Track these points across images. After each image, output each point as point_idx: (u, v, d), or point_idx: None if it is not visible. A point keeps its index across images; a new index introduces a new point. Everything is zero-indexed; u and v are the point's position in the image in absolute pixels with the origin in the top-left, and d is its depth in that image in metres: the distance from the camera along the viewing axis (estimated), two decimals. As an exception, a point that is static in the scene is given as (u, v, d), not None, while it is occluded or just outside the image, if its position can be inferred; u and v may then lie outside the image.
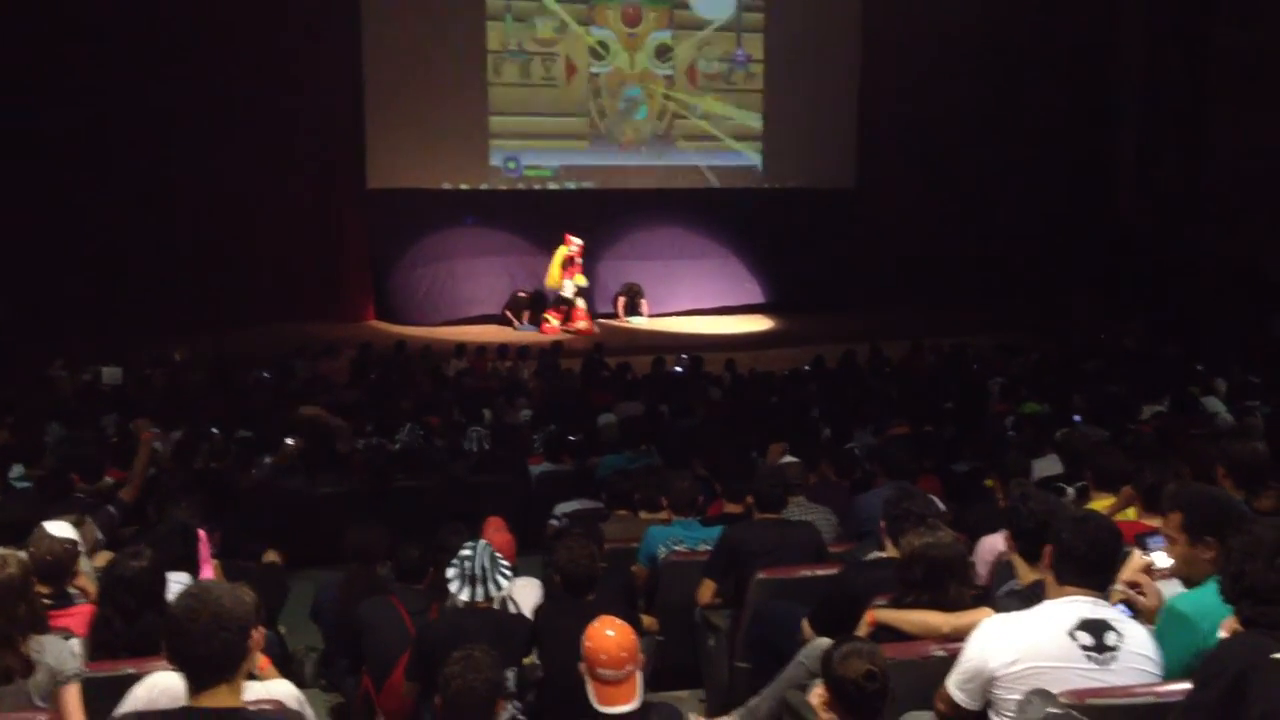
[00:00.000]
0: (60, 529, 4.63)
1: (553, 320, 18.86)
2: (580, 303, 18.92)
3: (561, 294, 18.84)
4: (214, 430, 9.52)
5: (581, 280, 18.83)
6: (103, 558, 5.18)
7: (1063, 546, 3.71)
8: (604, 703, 3.96)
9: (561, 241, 18.73)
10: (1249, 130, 18.33)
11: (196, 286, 16.63)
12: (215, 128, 16.69)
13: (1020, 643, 3.59)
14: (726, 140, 20.63)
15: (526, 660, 4.78)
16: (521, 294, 19.03)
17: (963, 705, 3.70)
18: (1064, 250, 20.07)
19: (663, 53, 20.12)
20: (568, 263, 18.67)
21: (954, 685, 3.72)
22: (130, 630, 4.17)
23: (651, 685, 4.76)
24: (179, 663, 3.08)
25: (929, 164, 19.83)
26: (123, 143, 16.16)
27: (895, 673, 3.62)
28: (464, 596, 4.78)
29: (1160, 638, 3.66)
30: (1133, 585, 4.14)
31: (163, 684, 3.46)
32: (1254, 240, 18.52)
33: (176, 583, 4.45)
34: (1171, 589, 3.97)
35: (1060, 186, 20.30)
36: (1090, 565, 3.67)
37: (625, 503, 7.15)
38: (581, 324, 18.77)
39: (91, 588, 4.70)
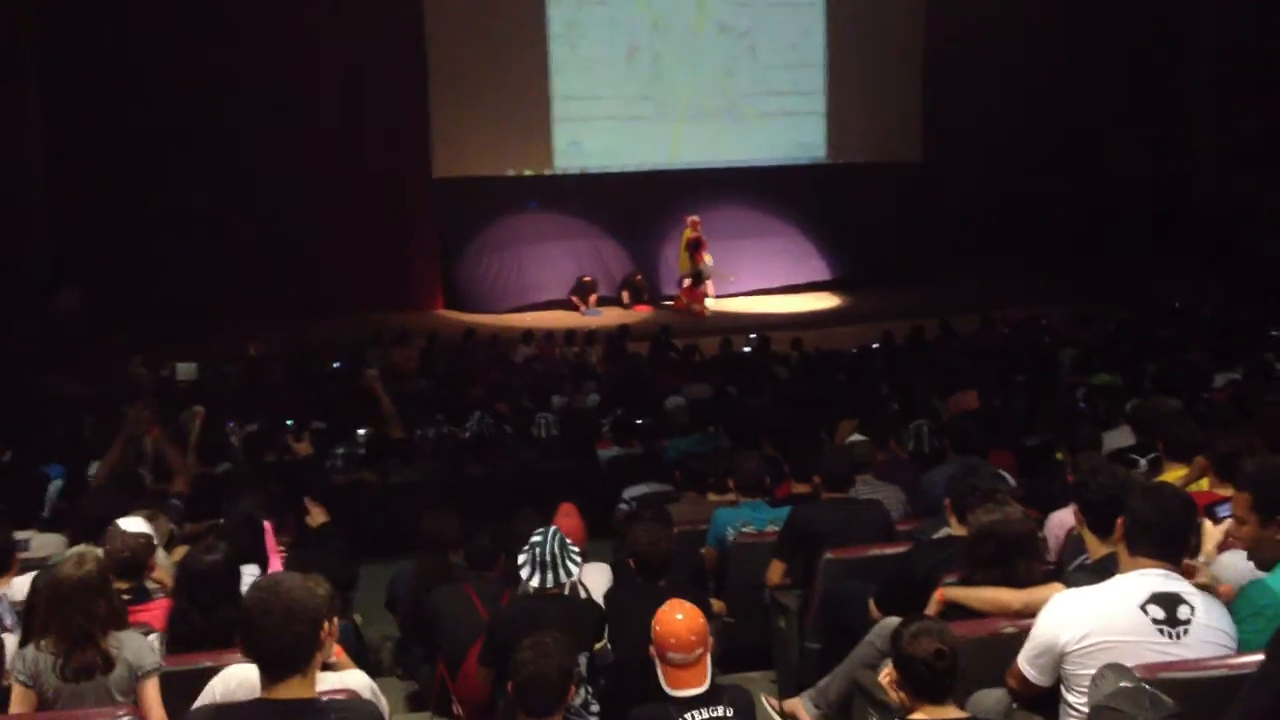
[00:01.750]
0: (134, 524, 4.73)
1: (684, 299, 18.94)
2: (706, 283, 18.90)
3: (702, 273, 18.81)
4: (288, 422, 9.67)
5: (708, 259, 18.78)
6: (178, 552, 5.29)
7: (1134, 517, 3.66)
8: (674, 686, 3.99)
9: (685, 225, 18.73)
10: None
11: (268, 280, 16.87)
12: (283, 121, 16.91)
13: (1092, 617, 3.55)
14: (790, 116, 20.45)
15: (597, 645, 4.82)
16: (587, 279, 19.07)
17: (1034, 681, 3.68)
18: (1138, 217, 19.67)
19: (725, 30, 19.98)
20: (694, 244, 18.62)
21: (1025, 661, 3.70)
22: (207, 623, 4.26)
23: (722, 667, 4.78)
24: (252, 656, 3.14)
25: (995, 134, 19.53)
26: (194, 138, 16.43)
27: (966, 650, 3.60)
28: (535, 583, 4.81)
29: (1241, 615, 3.60)
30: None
31: (239, 676, 3.53)
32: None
33: (248, 575, 4.54)
34: (1245, 560, 3.90)
35: (1131, 151, 19.88)
36: (1163, 536, 3.61)
37: (694, 485, 7.16)
38: (696, 306, 18.77)
39: (169, 581, 4.80)
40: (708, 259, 18.65)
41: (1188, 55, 20.76)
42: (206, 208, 16.55)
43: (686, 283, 18.91)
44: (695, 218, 18.66)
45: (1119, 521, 3.74)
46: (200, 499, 6.56)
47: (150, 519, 4.99)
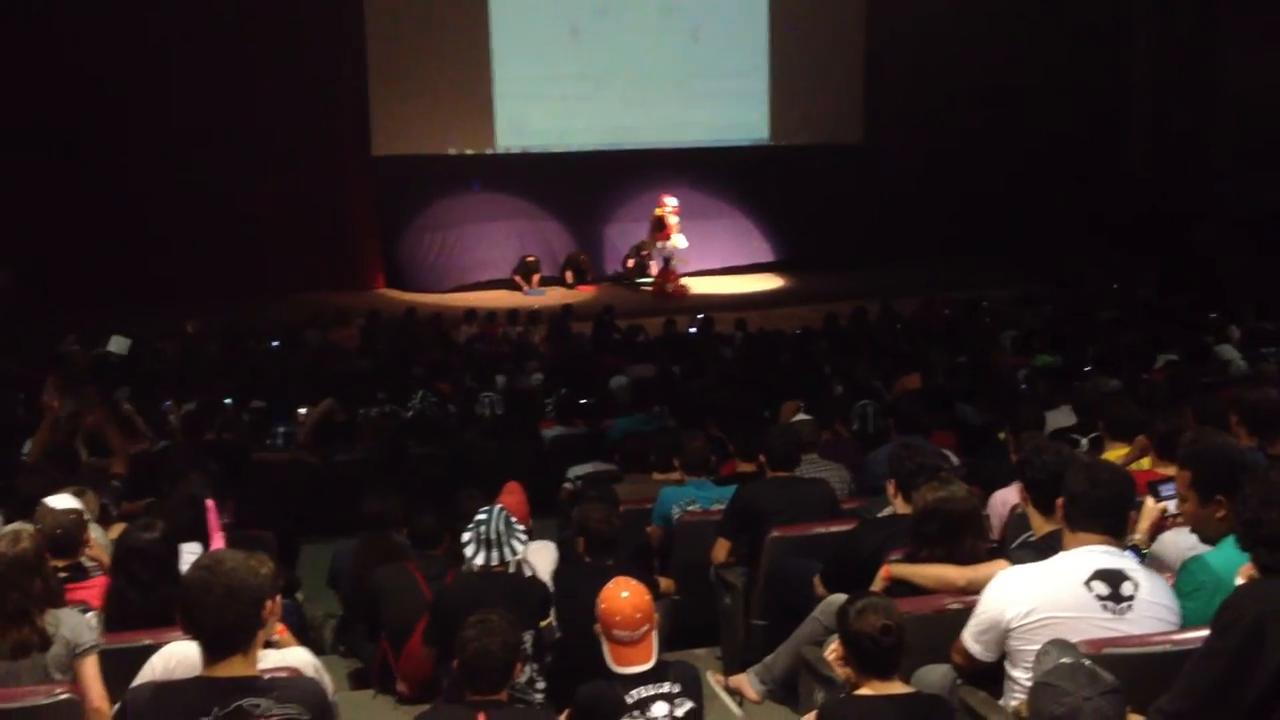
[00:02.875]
0: (63, 501, 4.65)
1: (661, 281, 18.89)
2: (674, 264, 18.85)
3: (664, 254, 18.74)
4: (226, 401, 9.54)
5: (679, 241, 18.71)
6: (116, 530, 5.20)
7: (1072, 493, 3.70)
8: (619, 663, 3.98)
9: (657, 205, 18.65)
10: (1262, 70, 18.16)
11: (206, 258, 16.63)
12: (220, 97, 16.65)
13: (1036, 594, 3.58)
14: (733, 98, 20.46)
15: (543, 623, 4.80)
16: (529, 258, 18.98)
17: (979, 657, 3.71)
18: (1077, 200, 19.91)
19: (668, 11, 19.93)
20: (659, 224, 18.54)
21: (970, 637, 3.72)
22: (145, 601, 4.19)
23: (668, 644, 4.79)
24: (193, 634, 3.10)
25: (937, 117, 19.67)
26: (129, 114, 16.15)
27: (911, 627, 3.61)
28: (479, 561, 4.80)
29: (1184, 592, 3.65)
30: (1151, 538, 4.15)
31: (179, 654, 3.48)
32: (1268, 183, 18.37)
33: (189, 554, 4.47)
34: (1186, 537, 3.96)
35: (1071, 135, 20.11)
36: (1101, 508, 3.65)
37: (639, 464, 7.15)
38: (672, 286, 18.72)
39: (106, 559, 4.72)
40: (675, 241, 18.63)
41: (1126, 43, 21.06)
42: (143, 185, 16.28)
43: (660, 265, 18.88)
44: (674, 200, 18.61)
45: (1059, 500, 3.78)
46: (138, 478, 6.45)
47: (79, 494, 4.90)
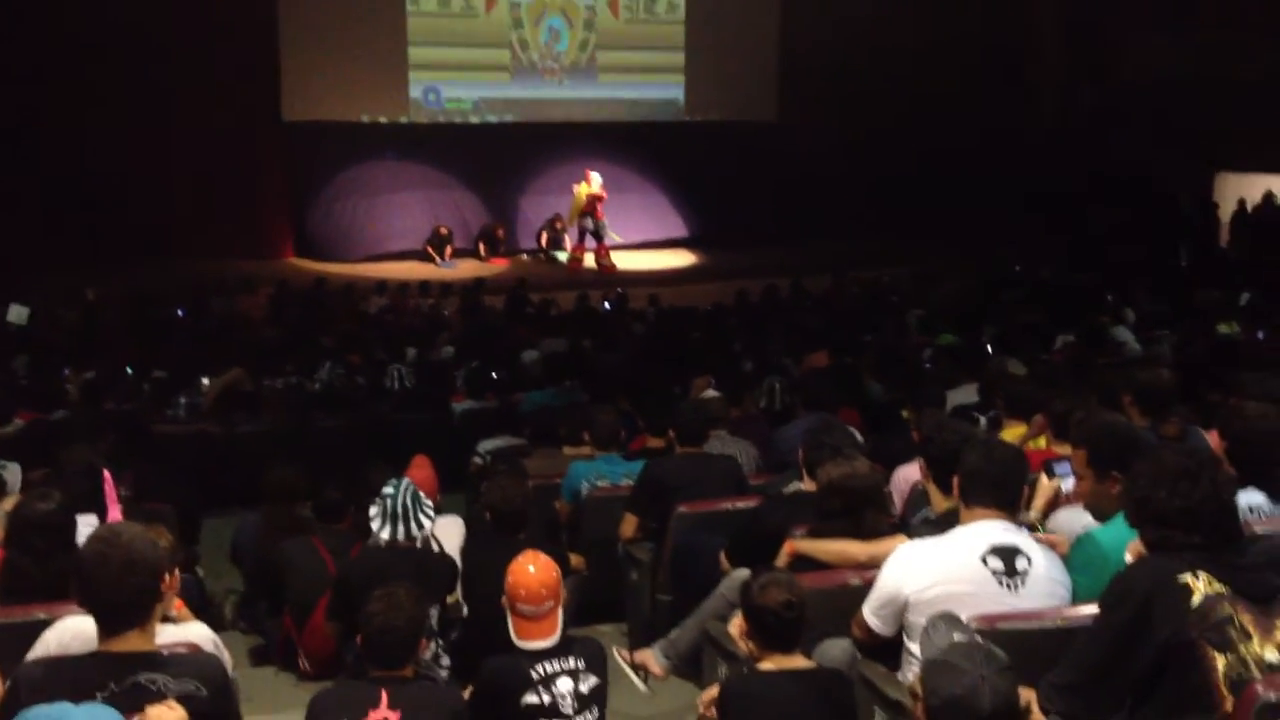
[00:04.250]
0: None
1: (584, 258, 18.78)
2: (606, 239, 18.75)
3: (589, 230, 18.62)
4: (127, 370, 9.35)
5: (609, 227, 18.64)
6: (9, 502, 5.07)
7: (967, 469, 3.77)
8: (523, 637, 3.98)
9: (582, 179, 18.50)
10: (1162, 51, 18.62)
11: (109, 222, 16.22)
12: (127, 57, 16.24)
13: (933, 568, 3.64)
14: (648, 73, 20.46)
15: (450, 599, 4.79)
16: (443, 230, 18.80)
17: (878, 631, 3.77)
18: (984, 180, 20.24)
19: (586, -18, 19.85)
20: (595, 200, 18.40)
21: (869, 611, 3.79)
22: (41, 573, 4.09)
23: (574, 620, 4.80)
24: (89, 607, 3.04)
25: (849, 95, 19.83)
26: (31, 73, 15.66)
27: (813, 601, 3.67)
28: (386, 535, 4.76)
29: (1074, 567, 3.74)
30: (1045, 515, 4.25)
31: (74, 628, 3.40)
32: (1164, 166, 18.87)
33: (86, 525, 4.37)
34: (1080, 515, 4.06)
35: (981, 115, 20.41)
36: (994, 483, 3.72)
37: (549, 439, 7.15)
38: (606, 262, 18.67)
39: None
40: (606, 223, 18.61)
41: (1034, 25, 21.43)
42: (46, 147, 15.81)
43: (587, 240, 18.77)
44: (599, 177, 18.51)
45: (955, 480, 3.85)
46: (34, 446, 6.29)
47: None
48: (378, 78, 18.66)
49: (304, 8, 17.86)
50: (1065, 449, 4.66)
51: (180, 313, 13.44)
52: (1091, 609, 3.36)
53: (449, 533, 5.41)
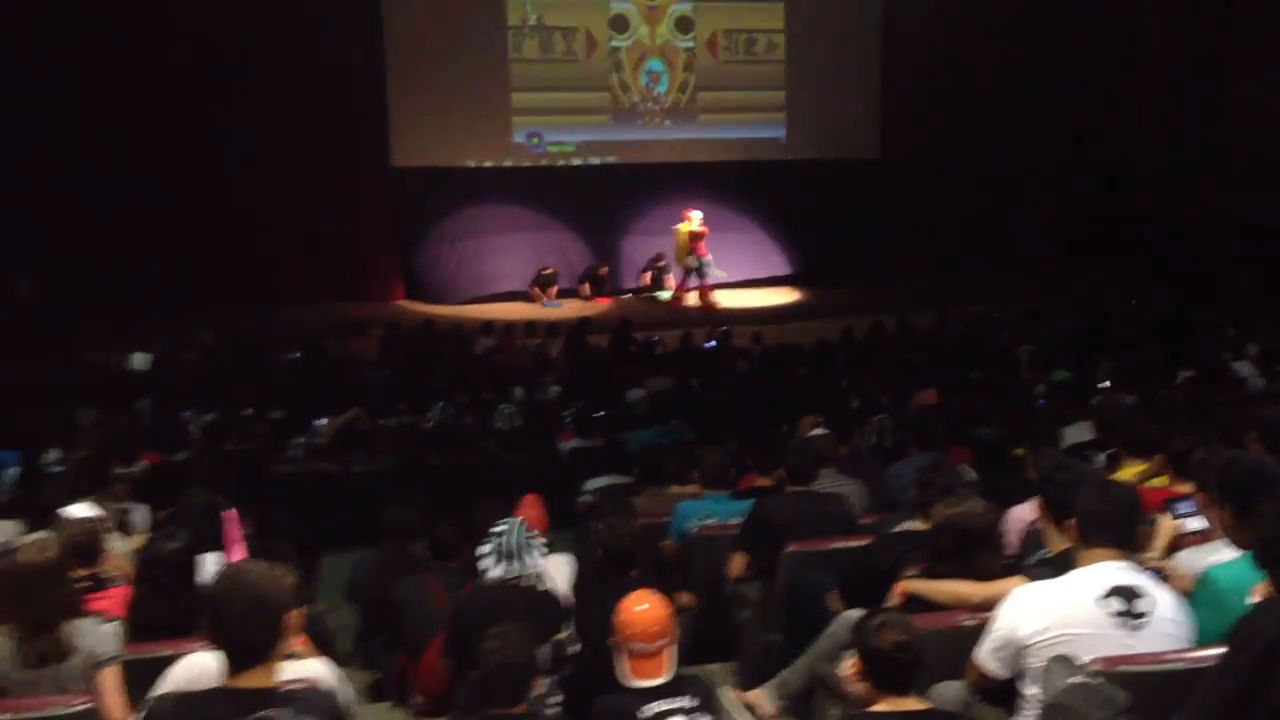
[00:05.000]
0: (82, 510, 4.69)
1: (686, 297, 18.86)
2: (710, 277, 18.78)
3: (692, 269, 18.68)
4: (246, 412, 9.59)
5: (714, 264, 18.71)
6: (137, 541, 5.24)
7: (1085, 510, 3.72)
8: (635, 676, 4.00)
9: (682, 218, 18.60)
10: (1272, 86, 18.15)
11: (225, 268, 16.67)
12: (239, 108, 16.73)
13: (1050, 610, 3.59)
14: (749, 112, 20.53)
15: (560, 636, 4.82)
16: (547, 270, 19.02)
17: (993, 674, 3.72)
18: (1091, 215, 19.89)
19: (684, 25, 20.01)
20: (696, 238, 18.52)
21: (985, 654, 3.74)
22: (169, 610, 4.22)
23: (684, 659, 4.80)
24: (217, 643, 3.12)
25: (951, 131, 19.65)
26: (149, 123, 16.23)
27: (927, 643, 3.63)
28: (497, 573, 4.81)
29: (1195, 606, 3.66)
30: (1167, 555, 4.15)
31: (200, 664, 3.50)
32: (1276, 203, 18.34)
33: (209, 564, 4.50)
34: (1203, 555, 3.96)
35: (1086, 150, 20.08)
36: (1112, 523, 3.67)
37: (656, 477, 7.17)
38: (709, 299, 18.68)
39: (126, 568, 4.76)
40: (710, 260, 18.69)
41: (1137, 59, 21.06)
42: (164, 196, 16.34)
43: (690, 280, 18.82)
44: (699, 213, 18.58)
45: (1072, 520, 3.79)
46: (158, 487, 6.49)
47: (98, 504, 4.94)
48: (482, 123, 18.99)
49: (411, 56, 18.27)
50: (1186, 488, 4.56)
51: (296, 355, 13.75)
52: (1215, 651, 3.28)
53: (560, 570, 5.45)
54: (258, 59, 16.79)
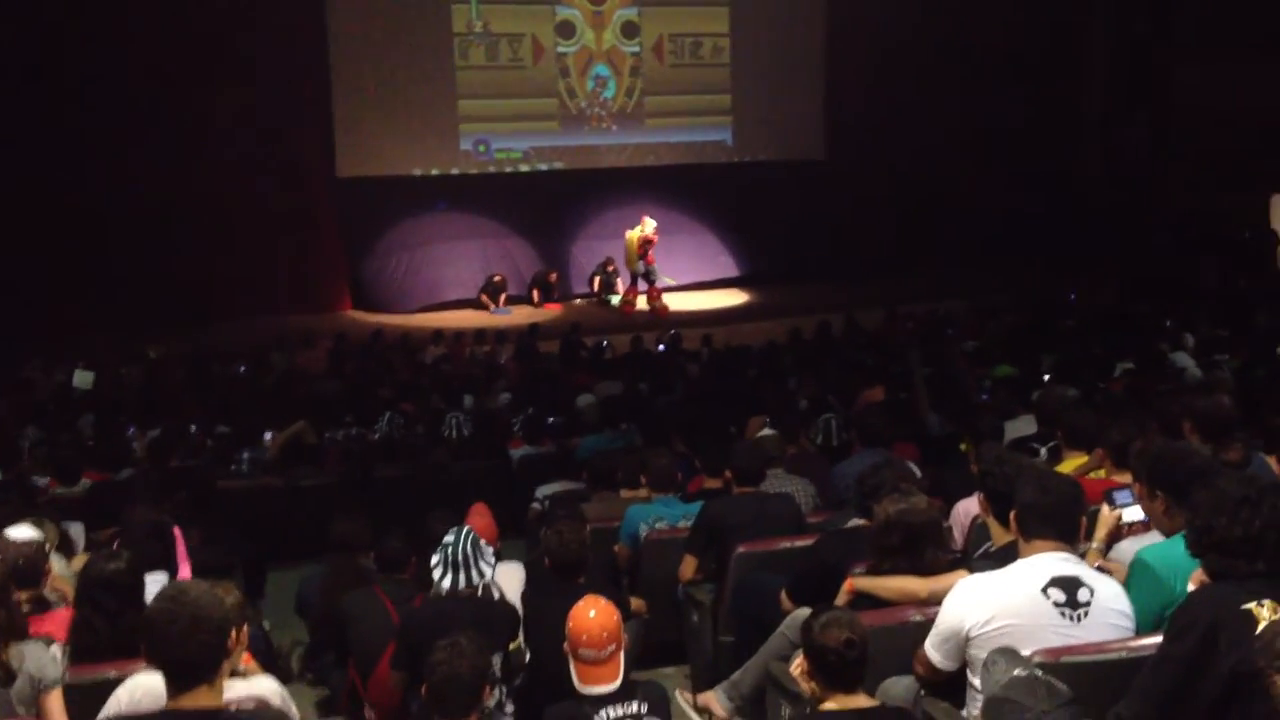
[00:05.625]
0: (22, 532, 4.62)
1: (637, 301, 18.84)
2: (658, 282, 18.77)
3: (638, 274, 18.68)
4: (191, 427, 9.49)
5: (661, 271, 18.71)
6: (78, 561, 5.17)
7: (1025, 502, 3.76)
8: (586, 683, 4.00)
9: (637, 222, 18.60)
10: (1213, 79, 18.47)
11: (169, 281, 16.52)
12: (182, 120, 16.57)
13: (994, 602, 3.62)
14: (696, 116, 20.60)
15: (512, 646, 4.80)
16: (496, 277, 18.98)
17: (940, 666, 3.75)
18: (1035, 210, 20.13)
19: (630, 30, 20.07)
20: (646, 244, 18.49)
21: (931, 646, 3.76)
22: (112, 632, 4.16)
23: (636, 664, 4.80)
24: (158, 665, 3.09)
25: (897, 131, 19.85)
26: (90, 137, 16.04)
27: (875, 639, 3.65)
28: (447, 584, 4.78)
29: (1128, 590, 3.71)
30: (1107, 546, 4.21)
31: (145, 685, 3.46)
32: (1218, 195, 18.68)
33: (154, 583, 4.45)
34: (1142, 544, 4.02)
35: (1029, 146, 20.33)
36: (1051, 515, 3.71)
37: (606, 482, 7.17)
38: (658, 304, 18.67)
39: (69, 589, 4.69)
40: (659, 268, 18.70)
41: (1081, 55, 21.37)
42: (106, 208, 16.16)
43: (639, 283, 18.84)
44: (654, 221, 18.59)
45: (1012, 512, 3.83)
46: (101, 506, 6.40)
47: (39, 525, 4.86)
48: (429, 131, 18.94)
49: (355, 66, 18.19)
50: (1126, 478, 4.62)
51: (241, 369, 13.63)
52: (1156, 639, 3.33)
53: (509, 579, 5.43)
54: (200, 69, 16.62)
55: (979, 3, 19.68)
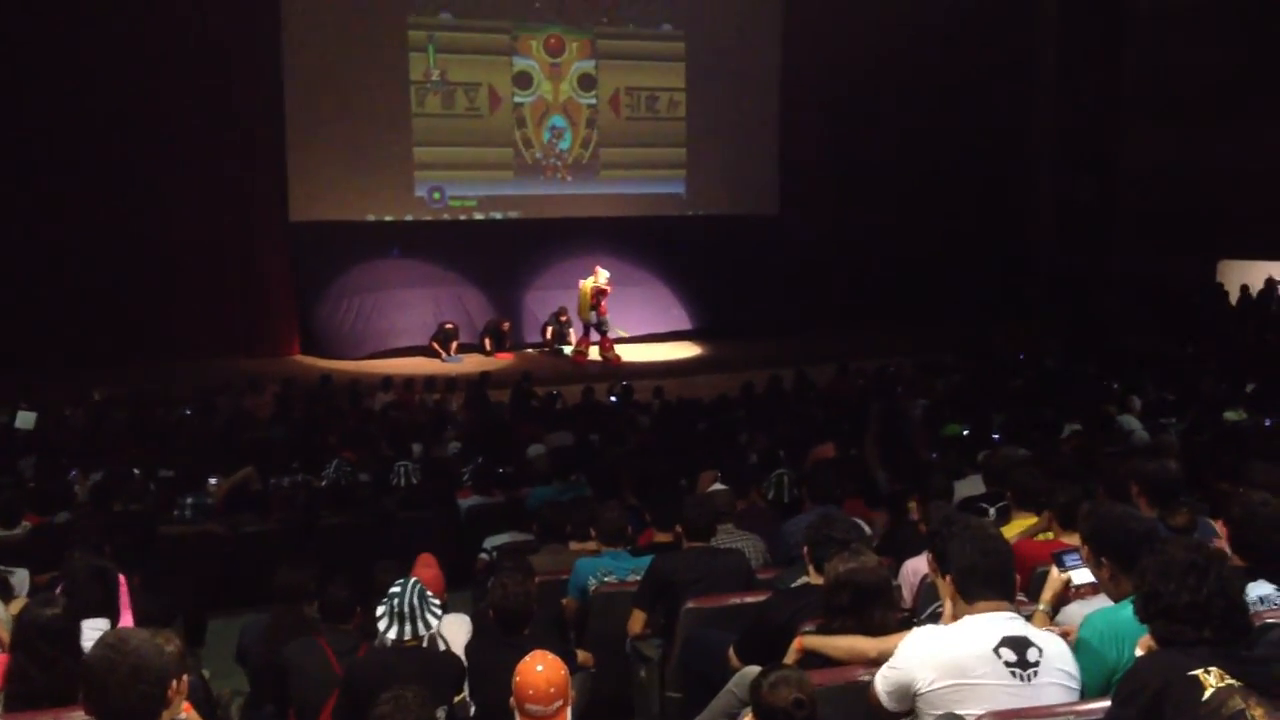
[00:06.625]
0: None
1: (589, 351, 18.81)
2: (610, 333, 18.74)
3: (590, 324, 18.66)
4: (134, 471, 9.34)
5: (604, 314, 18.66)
6: (16, 606, 5.06)
7: (961, 566, 3.74)
8: (533, 738, 3.95)
9: (590, 273, 18.60)
10: (1158, 146, 18.91)
11: (116, 322, 16.35)
12: (134, 160, 16.47)
13: (946, 659, 3.60)
14: (651, 169, 20.77)
15: (457, 698, 4.74)
16: (448, 325, 18.89)
17: (887, 707, 3.73)
18: (985, 271, 20.42)
19: (587, 82, 20.23)
20: (599, 294, 18.48)
21: (881, 688, 3.74)
22: (46, 680, 4.07)
23: (583, 718, 4.75)
24: (96, 714, 3.03)
25: (849, 189, 20.14)
26: (37, 175, 15.89)
27: (823, 699, 3.64)
28: (392, 635, 4.73)
29: (1077, 655, 3.72)
30: (1055, 608, 4.22)
31: (81, 735, 3.39)
32: (1164, 257, 19.05)
33: (93, 630, 4.36)
34: (1092, 607, 4.04)
35: (978, 208, 20.68)
36: (992, 576, 3.71)
37: (556, 534, 7.13)
38: (610, 355, 18.66)
39: (5, 635, 4.58)
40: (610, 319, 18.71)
41: (1030, 120, 21.81)
42: (52, 247, 15.98)
43: (591, 334, 18.82)
44: (607, 272, 18.62)
45: (947, 577, 3.80)
46: (41, 550, 6.28)
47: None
48: (383, 178, 18.91)
49: (311, 111, 18.14)
50: (1074, 540, 4.65)
51: (187, 412, 13.46)
52: (1104, 704, 3.34)
53: (456, 630, 5.38)
54: (153, 107, 16.53)
55: (934, 68, 20.06)
